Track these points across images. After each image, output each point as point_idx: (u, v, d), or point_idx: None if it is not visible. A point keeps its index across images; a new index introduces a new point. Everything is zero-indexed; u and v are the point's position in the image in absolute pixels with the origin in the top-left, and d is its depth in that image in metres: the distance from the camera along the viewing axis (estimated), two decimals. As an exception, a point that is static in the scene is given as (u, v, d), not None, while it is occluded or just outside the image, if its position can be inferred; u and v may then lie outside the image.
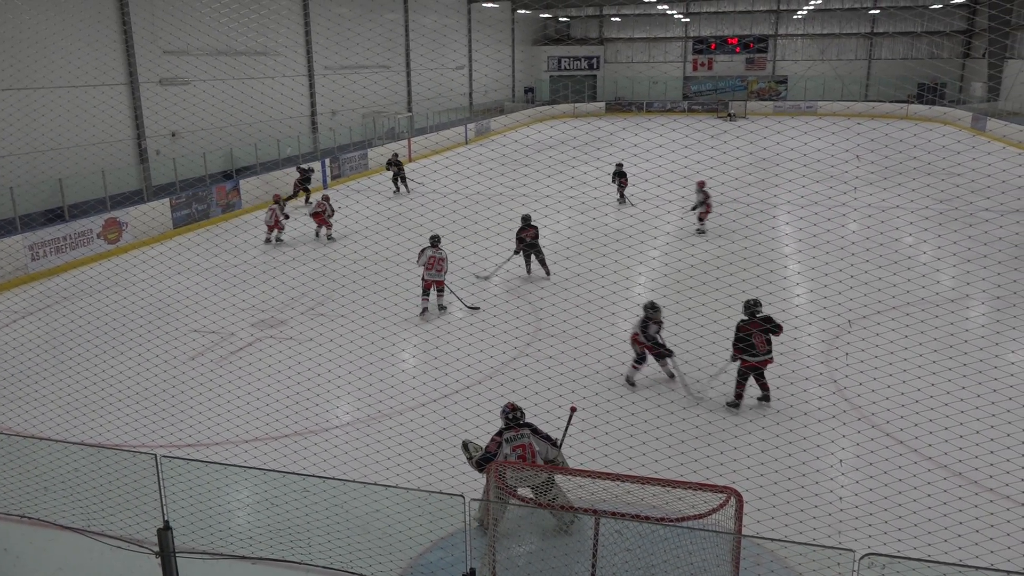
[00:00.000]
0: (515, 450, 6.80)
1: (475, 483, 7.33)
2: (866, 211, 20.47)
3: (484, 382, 10.10)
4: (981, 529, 6.63)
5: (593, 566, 5.59)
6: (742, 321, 9.26)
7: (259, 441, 8.64)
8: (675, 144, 32.99)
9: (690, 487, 6.11)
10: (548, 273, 14.87)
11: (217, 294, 13.92)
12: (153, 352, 11.42)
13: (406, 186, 24.36)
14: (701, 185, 18.34)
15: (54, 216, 17.16)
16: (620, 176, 21.99)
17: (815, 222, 18.91)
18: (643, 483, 6.37)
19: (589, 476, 5.93)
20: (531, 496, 6.78)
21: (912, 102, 45.19)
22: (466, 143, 36.67)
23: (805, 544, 5.12)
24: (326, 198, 18.81)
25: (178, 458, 6.55)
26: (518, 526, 6.96)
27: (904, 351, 10.54)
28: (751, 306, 9.28)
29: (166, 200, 19.47)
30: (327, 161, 26.03)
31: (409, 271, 14.90)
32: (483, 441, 7.51)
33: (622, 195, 22.09)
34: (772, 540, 5.25)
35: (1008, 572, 4.32)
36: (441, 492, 6.84)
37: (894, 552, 6.11)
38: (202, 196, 20.55)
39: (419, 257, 12.90)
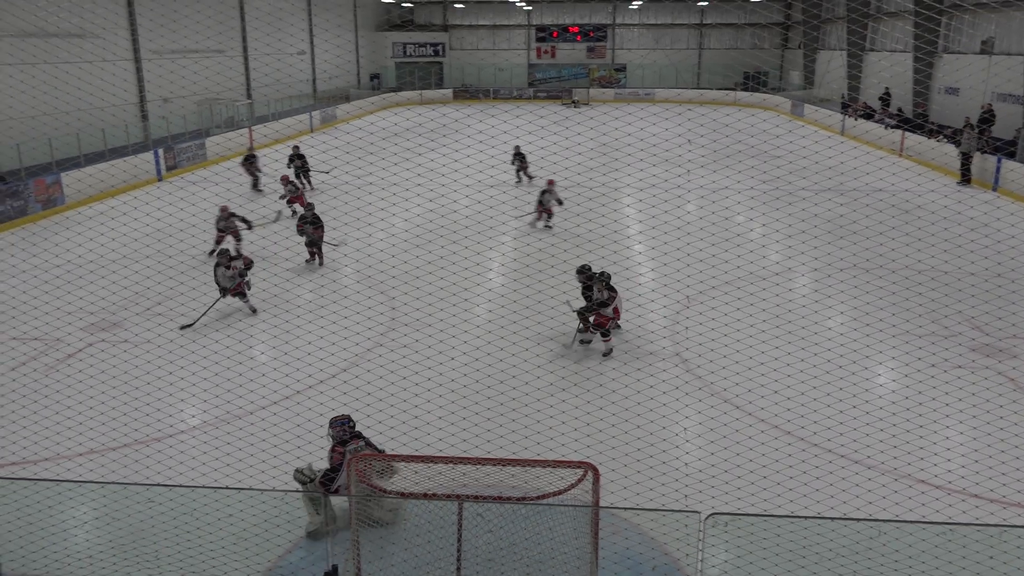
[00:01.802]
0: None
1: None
2: (700, 192, 21.69)
3: (339, 375, 9.90)
4: (808, 482, 7.25)
5: (458, 550, 5.63)
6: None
7: (95, 453, 8.04)
8: (520, 130, 33.50)
9: (548, 465, 6.27)
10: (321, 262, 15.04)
11: (39, 297, 12.79)
12: (-34, 364, 10.35)
13: (309, 181, 22.21)
14: (550, 184, 18.38)
15: None
16: (520, 158, 22.93)
17: (654, 204, 19.85)
18: (502, 465, 6.48)
19: (450, 462, 5.95)
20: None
21: (738, 89, 48.25)
22: (311, 131, 35.58)
23: (656, 510, 5.40)
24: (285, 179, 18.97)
25: (2, 478, 6.00)
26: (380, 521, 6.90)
27: (738, 323, 11.31)
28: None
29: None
30: (160, 151, 24.46)
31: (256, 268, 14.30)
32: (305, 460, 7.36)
33: (524, 175, 22.97)
34: (626, 509, 5.49)
35: (833, 519, 4.75)
36: (298, 491, 6.67)
37: (736, 511, 6.57)
38: (18, 191, 18.76)
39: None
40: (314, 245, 14.91)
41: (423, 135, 33.81)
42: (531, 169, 23.27)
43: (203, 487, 6.25)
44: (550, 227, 17.78)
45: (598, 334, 10.60)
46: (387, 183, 22.16)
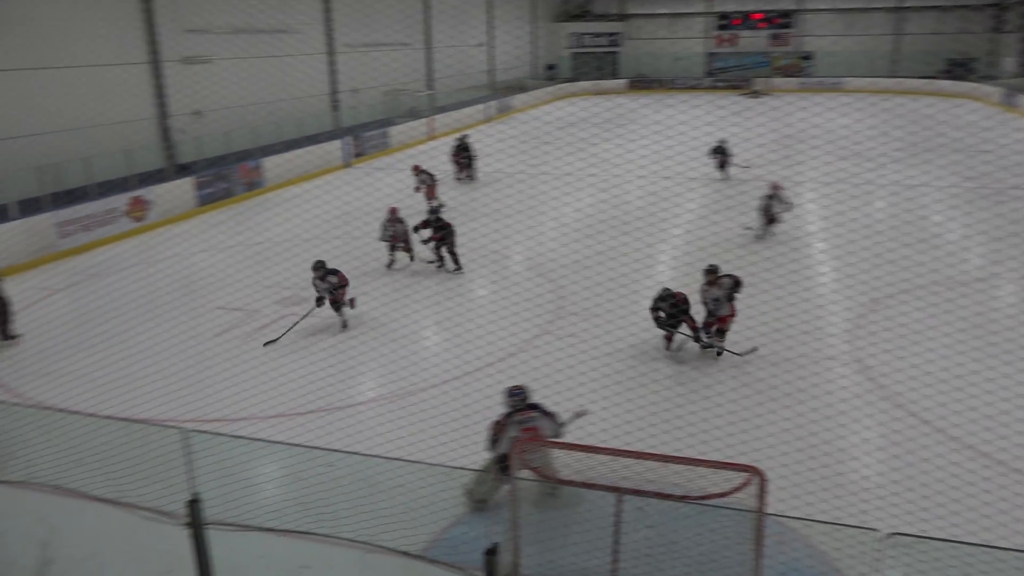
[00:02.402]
0: (523, 432, 6.82)
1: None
2: (892, 189, 20.18)
3: (506, 359, 10.14)
4: (1007, 510, 6.59)
5: (615, 542, 5.62)
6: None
7: (284, 417, 8.74)
8: (698, 120, 32.64)
9: (713, 466, 6.11)
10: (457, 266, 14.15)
11: (241, 271, 14.04)
12: (180, 328, 11.56)
13: (470, 172, 22.37)
14: (776, 188, 16.03)
15: (80, 195, 17.34)
16: (721, 152, 21.79)
17: (840, 200, 18.69)
18: (665, 461, 6.39)
19: (611, 454, 5.94)
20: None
21: (940, 77, 44.32)
22: (488, 120, 36.52)
23: (829, 523, 5.12)
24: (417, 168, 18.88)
25: (206, 432, 6.66)
26: (538, 504, 7.01)
27: (930, 331, 10.44)
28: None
29: (190, 178, 19.61)
30: (348, 139, 26.05)
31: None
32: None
33: (726, 170, 21.85)
34: (795, 519, 5.25)
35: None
36: (465, 468, 6.91)
37: (918, 532, 6.09)
38: (225, 174, 20.67)
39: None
40: (440, 248, 14.03)
41: (597, 125, 33.78)
42: (666, 167, 22.28)
43: (378, 456, 6.63)
44: (774, 234, 15.85)
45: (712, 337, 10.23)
46: (560, 172, 22.35)
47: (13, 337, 11.26)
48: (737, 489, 5.70)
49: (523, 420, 6.83)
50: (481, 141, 25.80)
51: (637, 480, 6.31)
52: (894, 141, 27.73)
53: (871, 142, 27.46)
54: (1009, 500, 6.77)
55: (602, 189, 20.42)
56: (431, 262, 14.20)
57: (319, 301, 11.36)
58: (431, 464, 7.25)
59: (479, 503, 6.74)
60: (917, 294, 12.19)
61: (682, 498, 6.26)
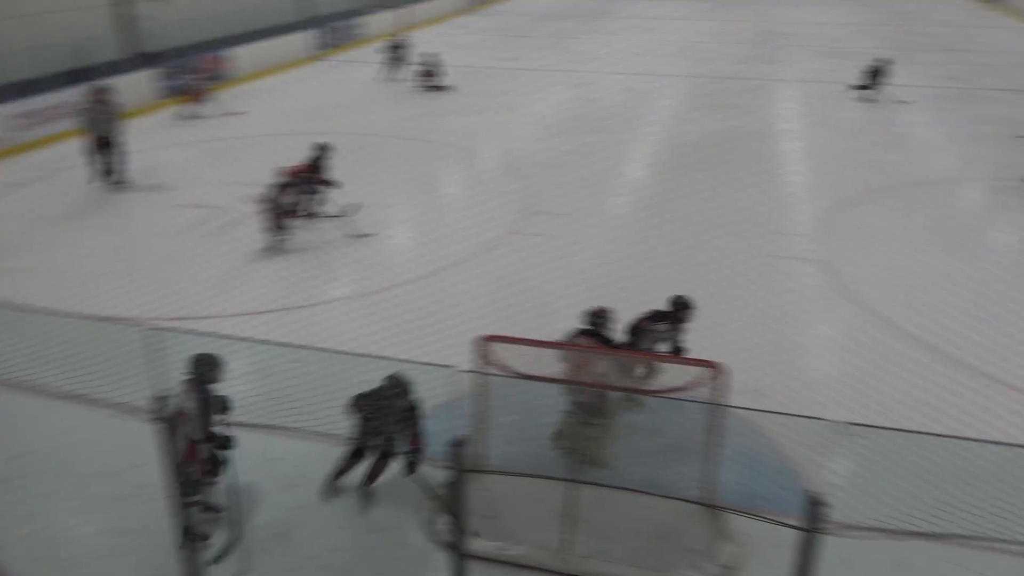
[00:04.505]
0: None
1: (462, 355, 7.42)
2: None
3: (474, 259, 10.12)
4: (953, 402, 6.84)
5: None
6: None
7: (251, 315, 8.73)
8: (678, 13, 31.78)
9: (676, 361, 6.25)
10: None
11: (206, 168, 13.73)
12: (142, 226, 11.37)
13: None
14: None
15: (34, 87, 16.63)
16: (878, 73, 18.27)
17: (819, 98, 18.47)
18: (631, 354, 6.52)
19: (579, 350, 6.04)
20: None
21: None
22: (471, 9, 35.13)
23: (780, 414, 5.26)
24: None
25: (170, 330, 6.64)
26: (506, 399, 7.15)
27: (895, 230, 10.56)
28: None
29: (152, 70, 18.84)
30: (322, 30, 25.04)
31: (396, 148, 14.64)
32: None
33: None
34: (748, 410, 5.40)
35: (972, 440, 4.47)
36: (431, 364, 6.98)
37: (871, 422, 6.31)
38: (190, 66, 19.87)
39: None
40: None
41: (575, 18, 32.75)
42: (641, 62, 21.19)
43: (347, 353, 6.68)
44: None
45: None
46: (534, 68, 21.80)
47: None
48: (696, 383, 5.85)
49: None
50: (457, 35, 25.00)
51: (597, 374, 6.43)
52: (877, 39, 27.22)
53: (852, 40, 26.95)
54: (956, 393, 7.02)
55: (576, 85, 19.99)
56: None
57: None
58: (400, 360, 7.34)
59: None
60: (887, 194, 12.24)
61: (645, 392, 6.43)
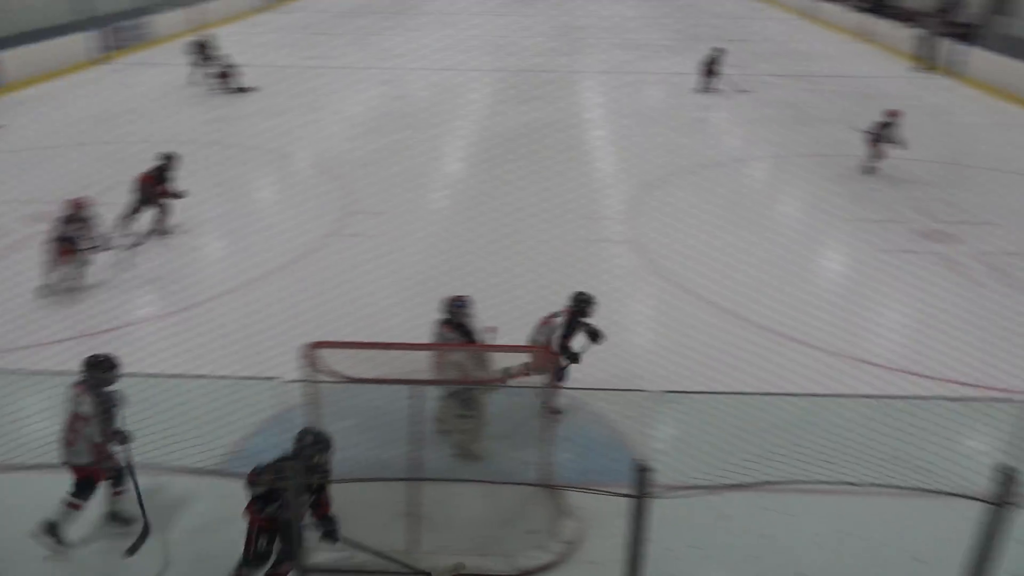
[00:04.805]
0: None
1: (287, 366, 7.16)
2: (664, 77, 21.26)
3: (292, 264, 9.79)
4: (756, 362, 7.48)
5: (414, 432, 5.75)
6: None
7: (45, 345, 7.94)
8: (480, 7, 32.31)
9: (507, 349, 6.36)
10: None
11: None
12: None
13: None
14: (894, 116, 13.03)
15: None
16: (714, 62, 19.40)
17: (617, 87, 19.47)
18: (461, 348, 6.56)
19: (408, 348, 6.00)
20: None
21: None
22: (268, 7, 33.74)
23: (606, 389, 5.52)
24: None
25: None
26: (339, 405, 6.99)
27: (695, 209, 11.37)
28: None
29: None
30: (96, 31, 23.08)
31: (216, 155, 13.86)
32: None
33: (714, 78, 19.35)
34: (577, 389, 5.63)
35: (775, 394, 4.91)
36: (253, 377, 6.68)
37: (684, 389, 6.76)
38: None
39: None
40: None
41: (378, 13, 32.40)
42: (448, 56, 21.67)
43: (159, 375, 6.24)
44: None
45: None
46: (340, 66, 21.37)
47: None
48: (531, 368, 6.01)
49: (438, 335, 6.48)
50: (254, 33, 23.93)
51: (430, 371, 6.44)
52: (664, 30, 29.06)
53: (644, 31, 28.60)
54: (758, 353, 7.68)
55: (384, 81, 19.82)
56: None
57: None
58: (218, 377, 6.96)
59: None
60: (685, 176, 13.14)
61: (479, 381, 6.50)
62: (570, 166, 13.35)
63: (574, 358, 6.67)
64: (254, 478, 4.72)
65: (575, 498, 5.62)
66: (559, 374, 6.61)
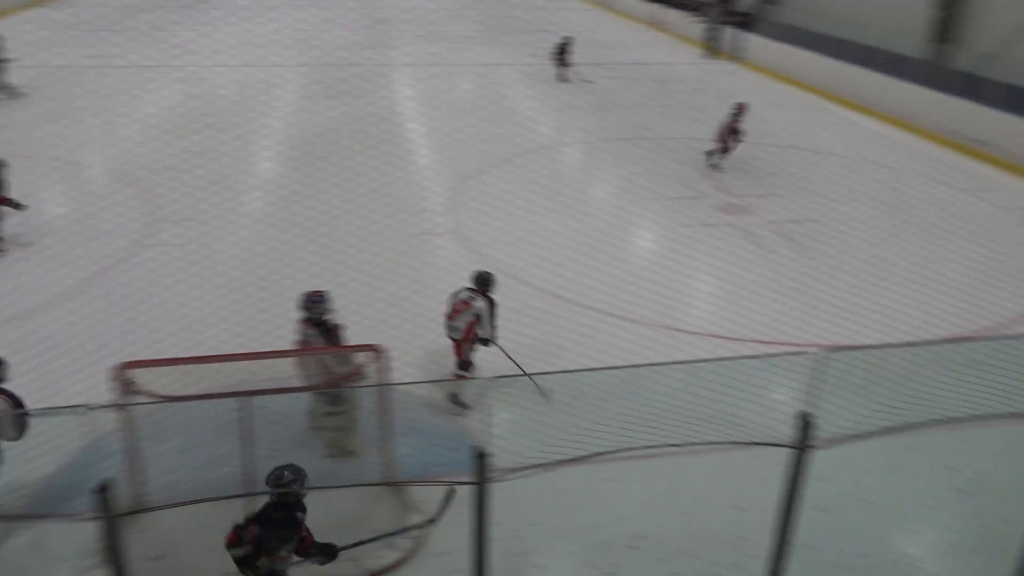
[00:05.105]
0: (298, 345, 6.25)
1: (96, 390, 6.60)
2: (476, 69, 21.55)
3: (97, 278, 9.03)
4: (582, 340, 7.82)
5: (245, 447, 5.50)
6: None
7: None
8: (288, 7, 31.14)
9: (334, 350, 6.23)
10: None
11: None
12: None
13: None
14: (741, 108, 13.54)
15: None
16: (564, 49, 19.93)
17: (430, 82, 19.50)
18: (284, 356, 6.34)
19: (228, 360, 5.72)
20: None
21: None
22: (37, 4, 30.62)
23: (440, 381, 5.56)
24: None
25: None
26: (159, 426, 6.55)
27: (514, 196, 11.65)
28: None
29: None
30: None
31: None
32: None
33: (564, 67, 19.94)
34: (410, 384, 5.62)
35: (598, 369, 5.14)
36: (55, 408, 6.12)
37: (515, 373, 6.95)
38: None
39: None
40: None
41: (169, 8, 30.40)
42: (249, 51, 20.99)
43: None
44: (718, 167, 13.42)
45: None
46: (133, 65, 19.87)
47: None
48: (359, 369, 5.92)
49: (303, 333, 6.25)
50: (26, 31, 21.70)
51: (261, 382, 6.19)
52: (471, 23, 29.42)
53: (446, 23, 28.80)
54: (584, 332, 8.02)
55: (179, 80, 18.67)
56: None
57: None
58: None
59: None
60: (500, 166, 13.41)
61: (305, 388, 6.32)
62: (386, 160, 13.25)
63: (485, 342, 6.85)
64: (235, 540, 4.33)
65: (420, 492, 5.62)
66: (467, 364, 6.83)
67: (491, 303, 6.87)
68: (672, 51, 24.96)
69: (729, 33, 23.71)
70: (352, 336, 6.59)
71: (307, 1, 32.93)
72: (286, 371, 6.09)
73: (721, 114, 13.77)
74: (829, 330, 7.95)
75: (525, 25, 28.80)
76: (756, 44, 22.64)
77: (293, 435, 6.27)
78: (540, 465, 3.82)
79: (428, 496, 5.56)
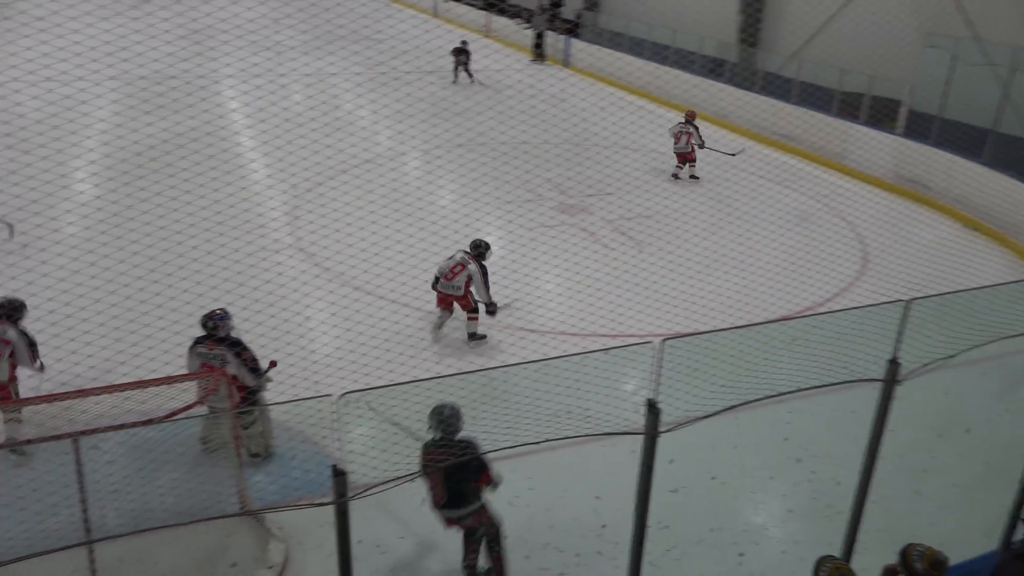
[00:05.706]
0: (204, 368, 5.93)
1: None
2: (307, 80, 21.03)
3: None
4: (436, 349, 7.82)
5: (81, 490, 5.08)
6: None
7: None
8: (90, 16, 28.97)
9: (174, 381, 5.87)
10: None
11: None
12: None
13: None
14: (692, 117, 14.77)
15: None
16: (463, 53, 21.60)
17: (260, 94, 18.81)
18: (121, 390, 5.91)
19: (62, 399, 5.28)
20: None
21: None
22: None
23: (290, 402, 5.38)
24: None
25: None
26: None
27: (356, 208, 11.46)
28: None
29: None
30: None
31: None
32: None
33: (466, 71, 21.65)
34: (260, 407, 5.42)
35: (451, 375, 5.17)
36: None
37: (365, 386, 6.83)
38: None
39: None
40: None
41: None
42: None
43: None
44: (696, 178, 14.33)
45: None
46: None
47: None
48: (203, 398, 5.63)
49: (205, 354, 5.99)
50: None
51: (94, 418, 5.73)
52: (296, 32, 28.64)
53: (268, 32, 27.88)
54: (430, 340, 8.02)
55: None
56: None
57: None
58: None
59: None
60: (341, 178, 13.17)
61: (143, 423, 5.92)
62: (215, 176, 12.62)
63: (490, 311, 8.22)
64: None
65: (281, 518, 5.42)
66: (473, 310, 8.26)
67: (483, 268, 8.15)
68: (502, 57, 25.48)
69: (555, 39, 24.52)
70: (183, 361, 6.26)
71: (113, 11, 30.84)
72: (132, 407, 5.68)
73: (555, 117, 14.22)
74: (669, 319, 8.40)
75: (352, 35, 28.38)
76: (582, 49, 23.55)
77: (133, 472, 5.86)
78: (401, 478, 3.80)
79: (288, 520, 5.38)
